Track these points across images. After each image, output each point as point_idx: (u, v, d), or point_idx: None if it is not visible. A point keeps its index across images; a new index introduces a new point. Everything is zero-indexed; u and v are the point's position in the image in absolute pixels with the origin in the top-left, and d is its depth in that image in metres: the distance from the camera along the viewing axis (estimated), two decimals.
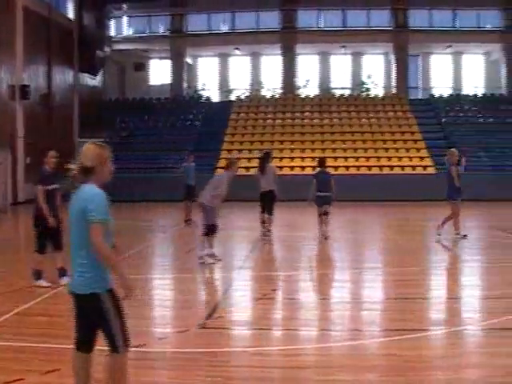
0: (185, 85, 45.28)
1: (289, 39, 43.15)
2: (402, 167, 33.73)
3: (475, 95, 43.18)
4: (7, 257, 14.83)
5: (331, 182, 17.28)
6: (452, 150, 17.44)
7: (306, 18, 43.86)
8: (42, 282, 10.62)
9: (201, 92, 45.68)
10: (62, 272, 10.63)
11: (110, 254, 4.90)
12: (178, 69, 44.88)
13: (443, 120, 38.66)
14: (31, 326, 8.39)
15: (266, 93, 44.50)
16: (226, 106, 41.39)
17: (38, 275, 10.69)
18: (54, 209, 10.78)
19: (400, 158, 34.36)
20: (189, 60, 46.54)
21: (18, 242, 18.58)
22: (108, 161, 5.09)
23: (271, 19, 43.66)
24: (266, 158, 18.16)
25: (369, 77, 45.43)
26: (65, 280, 10.16)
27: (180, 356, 7.06)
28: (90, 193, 4.92)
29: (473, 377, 6.38)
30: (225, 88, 46.40)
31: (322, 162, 18.00)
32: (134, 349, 5.63)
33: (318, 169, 18.18)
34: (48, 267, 10.91)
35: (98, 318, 4.96)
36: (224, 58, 46.87)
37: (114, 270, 4.97)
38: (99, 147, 5.08)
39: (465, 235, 17.06)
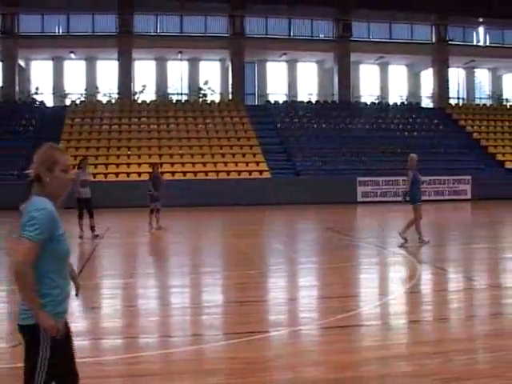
0: (17, 88, 43.55)
1: (125, 44, 42.58)
2: (239, 172, 34.21)
3: (309, 102, 44.62)
4: None
5: (162, 184, 21.55)
6: (412, 155, 17.70)
7: (143, 23, 43.49)
8: None
9: (34, 96, 44.02)
10: None
11: (30, 282, 3.97)
12: (10, 71, 43.11)
13: (278, 126, 39.63)
14: None
15: (102, 98, 43.69)
16: (60, 110, 40.28)
17: None
18: None
19: (236, 164, 34.85)
20: (21, 62, 44.80)
21: None
22: (60, 167, 4.18)
23: (108, 23, 42.96)
24: (82, 164, 19.77)
25: (206, 83, 45.73)
26: None
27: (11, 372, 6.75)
28: (34, 207, 4.06)
29: (310, 375, 6.53)
30: (59, 92, 45.04)
31: (154, 166, 22.20)
32: None
33: (152, 173, 21.92)
34: None
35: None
36: (59, 61, 45.53)
37: (27, 300, 4.02)
38: (49, 148, 4.23)
39: (405, 239, 16.99)
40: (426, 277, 12.57)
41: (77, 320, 9.30)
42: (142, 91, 44.59)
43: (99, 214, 21.37)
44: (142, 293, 11.44)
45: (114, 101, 42.73)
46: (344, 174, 34.64)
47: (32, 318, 4.04)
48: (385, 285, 12.41)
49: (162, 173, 31.68)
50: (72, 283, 4.46)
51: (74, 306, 10.24)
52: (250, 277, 12.43)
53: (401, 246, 16.40)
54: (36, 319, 4.02)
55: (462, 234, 20.71)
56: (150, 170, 22.91)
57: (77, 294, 4.66)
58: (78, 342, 8.13)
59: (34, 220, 3.99)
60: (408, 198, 17.23)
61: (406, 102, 47.45)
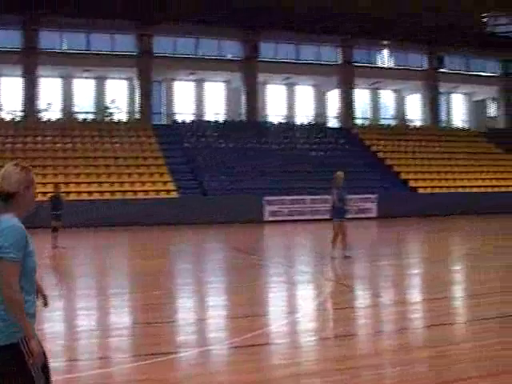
0: None
1: (30, 60, 41.66)
2: (146, 192, 33.90)
3: (217, 121, 44.76)
4: None
5: (62, 204, 21.96)
6: (338, 173, 17.89)
7: (49, 40, 42.63)
8: None
9: None
10: None
11: (21, 302, 3.99)
12: None
13: (186, 145, 39.54)
14: None
15: (6, 116, 42.54)
16: None
17: None
18: None
19: (144, 183, 34.52)
20: None
21: None
22: (33, 185, 4.27)
23: (12, 39, 41.87)
24: None
25: (113, 101, 45.25)
26: None
27: None
28: (7, 225, 4.04)
29: None
30: None
31: (56, 187, 22.83)
32: None
33: (53, 193, 22.44)
34: None
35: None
36: None
37: (20, 322, 3.98)
38: (24, 168, 4.24)
39: (347, 256, 17.61)
40: (333, 294, 12.71)
41: None
42: (47, 109, 43.70)
43: None
44: (46, 316, 11.12)
45: (18, 119, 41.67)
46: (251, 194, 34.79)
47: (13, 337, 4.00)
48: (292, 303, 12.48)
49: (68, 193, 31.12)
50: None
51: None
52: (158, 298, 12.28)
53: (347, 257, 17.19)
54: (25, 343, 4.01)
55: (368, 252, 21.07)
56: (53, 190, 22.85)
57: (46, 304, 4.63)
58: None
59: (12, 239, 3.99)
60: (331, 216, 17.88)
61: (312, 122, 48.17)
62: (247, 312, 10.67)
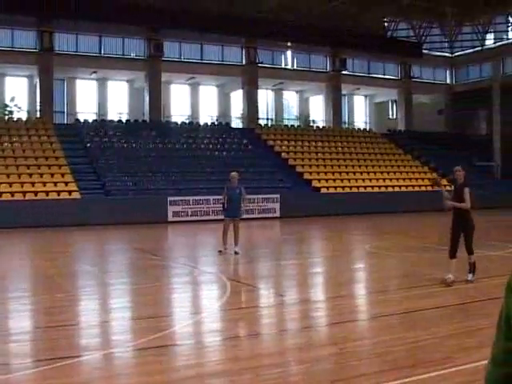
0: None
1: None
2: (47, 193, 33.13)
3: (119, 121, 44.26)
4: None
5: None
6: (232, 173, 18.70)
7: None
8: None
9: None
10: None
11: None
12: None
13: (88, 145, 38.91)
14: None
15: None
16: None
17: None
18: None
19: (45, 184, 33.72)
20: None
21: None
22: None
23: None
24: None
25: (12, 99, 44.08)
26: None
27: None
28: None
29: None
30: None
31: None
32: None
33: None
34: None
35: None
36: None
37: None
38: None
39: (219, 250, 18.87)
40: (237, 294, 12.77)
41: None
42: None
43: None
44: None
45: None
46: (155, 194, 34.56)
47: None
48: (196, 303, 12.49)
49: None
50: None
51: None
52: (59, 300, 12.03)
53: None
54: None
55: (271, 251, 21.27)
56: None
57: None
58: None
59: None
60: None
61: (216, 122, 48.24)
62: (150, 313, 10.61)
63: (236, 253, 18.38)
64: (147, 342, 8.43)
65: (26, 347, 8.78)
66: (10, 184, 33.29)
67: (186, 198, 34.71)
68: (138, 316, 10.64)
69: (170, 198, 34.34)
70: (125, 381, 7.04)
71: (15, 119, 41.86)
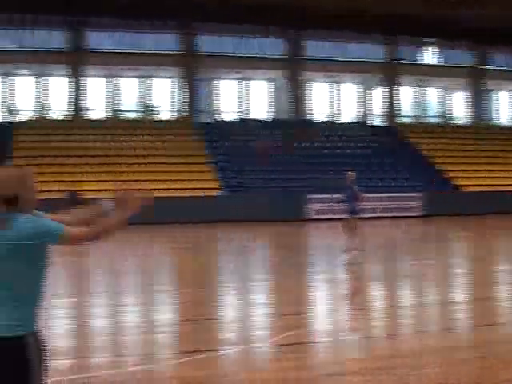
0: None
1: (76, 60, 42.22)
2: (190, 190, 33.97)
3: (261, 120, 44.79)
4: None
5: None
6: (349, 173, 19.04)
7: (95, 40, 43.15)
8: None
9: None
10: None
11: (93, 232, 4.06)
12: None
13: (229, 143, 39.58)
14: None
15: (53, 115, 43.15)
16: (10, 127, 39.61)
17: None
18: None
19: (187, 181, 34.61)
20: None
21: None
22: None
23: (60, 39, 42.55)
24: None
25: (157, 100, 45.53)
26: None
27: None
28: (31, 218, 3.94)
29: None
30: (9, 108, 44.31)
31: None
32: None
33: None
34: None
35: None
36: (9, 77, 44.85)
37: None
38: (19, 170, 4.11)
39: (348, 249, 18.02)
40: (377, 293, 12.64)
41: None
42: (92, 108, 44.18)
43: None
44: (93, 312, 11.32)
45: (64, 118, 42.28)
46: (295, 191, 34.78)
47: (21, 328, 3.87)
48: (335, 301, 12.41)
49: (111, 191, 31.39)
50: None
51: None
52: (201, 295, 12.35)
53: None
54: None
55: (410, 250, 20.90)
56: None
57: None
58: None
59: (44, 221, 3.95)
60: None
61: (356, 121, 47.89)
62: (291, 310, 10.70)
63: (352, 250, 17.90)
64: (285, 339, 8.52)
65: (170, 339, 9.10)
66: (154, 181, 34.41)
67: (326, 196, 34.65)
68: (278, 312, 10.77)
69: (309, 196, 34.45)
70: (261, 376, 7.15)
71: (159, 119, 43.28)
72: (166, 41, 43.90)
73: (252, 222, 31.30)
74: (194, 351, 7.92)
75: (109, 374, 7.28)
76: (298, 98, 45.70)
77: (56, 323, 10.08)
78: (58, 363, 7.94)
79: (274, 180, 36.05)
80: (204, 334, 9.14)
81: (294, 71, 45.42)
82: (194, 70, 43.66)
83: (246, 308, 11.58)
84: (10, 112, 43.56)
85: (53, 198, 30.01)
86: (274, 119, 45.02)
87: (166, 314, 10.90)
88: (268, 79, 48.11)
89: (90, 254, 19.60)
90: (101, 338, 9.17)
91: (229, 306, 11.75)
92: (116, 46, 43.48)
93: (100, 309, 11.51)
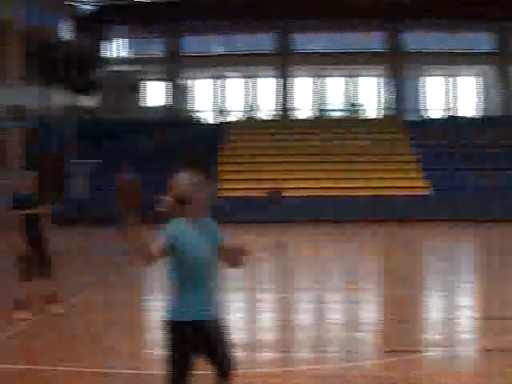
0: (180, 107, 45.35)
1: (284, 62, 43.38)
2: (397, 189, 33.68)
3: (469, 117, 43.44)
4: None
5: None
6: None
7: (301, 41, 44.13)
8: (23, 314, 9.95)
9: (195, 114, 45.95)
10: (51, 299, 10.27)
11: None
12: (174, 91, 44.98)
13: (438, 141, 38.68)
14: (18, 350, 8.40)
15: (262, 115, 44.66)
16: (220, 128, 41.34)
17: (21, 304, 10.05)
18: (34, 235, 10.12)
19: (394, 180, 34.36)
20: (184, 82, 46.64)
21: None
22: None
23: (266, 42, 44.02)
24: None
25: (363, 99, 45.61)
26: (54, 308, 10.21)
27: None
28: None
29: None
30: (219, 110, 46.41)
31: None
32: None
33: None
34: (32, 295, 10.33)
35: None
36: (220, 80, 46.93)
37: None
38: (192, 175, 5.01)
39: None
40: None
41: (234, 332, 9.59)
42: (299, 108, 45.14)
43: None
44: (298, 307, 11.60)
45: (272, 118, 43.57)
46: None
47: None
48: None
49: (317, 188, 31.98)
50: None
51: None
52: (402, 295, 12.27)
53: None
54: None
55: None
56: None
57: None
58: (235, 355, 8.39)
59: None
60: None
61: None
62: (498, 314, 10.36)
63: None
64: (492, 343, 8.28)
65: (373, 337, 9.14)
66: (360, 180, 34.48)
67: None
68: (484, 316, 10.47)
69: None
70: (465, 380, 7.01)
71: (365, 118, 43.37)
72: (373, 39, 43.92)
73: (461, 221, 30.34)
74: (398, 351, 7.92)
75: (311, 369, 7.46)
76: (509, 94, 43.83)
77: (263, 317, 10.46)
78: (262, 356, 8.27)
79: (481, 179, 34.71)
80: (406, 333, 9.09)
81: (504, 66, 43.61)
82: (400, 68, 43.28)
83: (449, 310, 11.36)
84: (221, 113, 45.62)
85: (257, 196, 31.14)
86: (483, 116, 43.48)
87: (368, 313, 10.95)
88: (476, 75, 46.58)
89: (297, 251, 20.04)
90: (305, 333, 9.40)
91: (432, 307, 11.59)
92: (322, 47, 44.19)
93: (305, 304, 11.77)
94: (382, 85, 45.41)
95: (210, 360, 4.85)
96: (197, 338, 4.78)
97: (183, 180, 4.90)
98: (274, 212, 29.08)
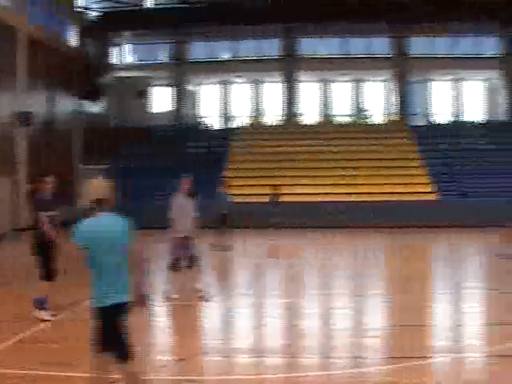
0: (186, 112, 45.45)
1: (289, 67, 43.43)
2: (403, 194, 33.62)
3: (476, 122, 43.30)
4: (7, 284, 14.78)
5: None
6: None
7: (307, 46, 44.16)
8: (43, 314, 10.22)
9: (202, 119, 46.08)
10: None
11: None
12: (180, 96, 45.09)
13: (444, 146, 38.60)
14: (32, 353, 8.39)
15: (268, 120, 44.70)
16: (226, 133, 41.43)
17: (41, 304, 10.30)
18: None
19: (400, 185, 34.30)
20: (190, 87, 46.79)
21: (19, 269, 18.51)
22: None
23: (272, 47, 44.09)
24: None
25: (369, 104, 45.59)
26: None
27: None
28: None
29: None
30: (226, 115, 46.51)
31: None
32: None
33: None
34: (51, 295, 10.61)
35: None
36: (226, 85, 47.01)
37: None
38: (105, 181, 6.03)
39: None
40: None
41: (242, 338, 9.60)
42: (305, 113, 45.16)
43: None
44: (304, 313, 11.58)
45: (278, 123, 43.59)
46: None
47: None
48: None
49: (320, 194, 31.95)
50: None
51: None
52: (411, 300, 12.25)
53: None
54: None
55: None
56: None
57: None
58: (243, 360, 8.40)
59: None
60: None
61: None
62: (504, 319, 10.32)
63: None
64: (501, 350, 8.25)
65: (380, 344, 9.12)
66: (366, 185, 34.42)
67: None
68: (490, 322, 10.44)
69: None
70: None
71: (372, 123, 43.36)
72: (377, 44, 43.91)
73: (470, 227, 30.23)
74: (405, 357, 7.90)
75: (317, 375, 7.45)
76: None
77: (270, 322, 10.45)
78: (268, 361, 8.26)
79: (492, 185, 34.55)
80: (413, 340, 9.06)
81: (510, 71, 43.48)
82: (406, 73, 43.27)
83: (459, 315, 11.33)
84: (228, 118, 45.72)
85: (260, 201, 31.10)
86: (488, 121, 43.36)
87: (376, 318, 10.92)
88: (482, 79, 46.49)
89: (309, 255, 19.99)
90: (312, 338, 9.38)
91: (441, 313, 11.54)
92: (328, 52, 44.23)
93: (312, 310, 11.74)
94: (389, 90, 45.38)
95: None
96: (107, 322, 5.68)
97: (99, 183, 5.93)
98: (282, 216, 28.99)
